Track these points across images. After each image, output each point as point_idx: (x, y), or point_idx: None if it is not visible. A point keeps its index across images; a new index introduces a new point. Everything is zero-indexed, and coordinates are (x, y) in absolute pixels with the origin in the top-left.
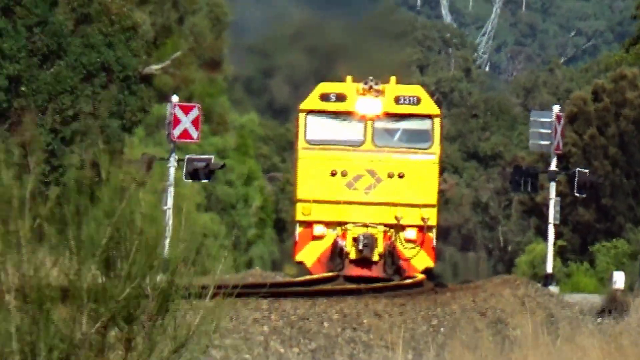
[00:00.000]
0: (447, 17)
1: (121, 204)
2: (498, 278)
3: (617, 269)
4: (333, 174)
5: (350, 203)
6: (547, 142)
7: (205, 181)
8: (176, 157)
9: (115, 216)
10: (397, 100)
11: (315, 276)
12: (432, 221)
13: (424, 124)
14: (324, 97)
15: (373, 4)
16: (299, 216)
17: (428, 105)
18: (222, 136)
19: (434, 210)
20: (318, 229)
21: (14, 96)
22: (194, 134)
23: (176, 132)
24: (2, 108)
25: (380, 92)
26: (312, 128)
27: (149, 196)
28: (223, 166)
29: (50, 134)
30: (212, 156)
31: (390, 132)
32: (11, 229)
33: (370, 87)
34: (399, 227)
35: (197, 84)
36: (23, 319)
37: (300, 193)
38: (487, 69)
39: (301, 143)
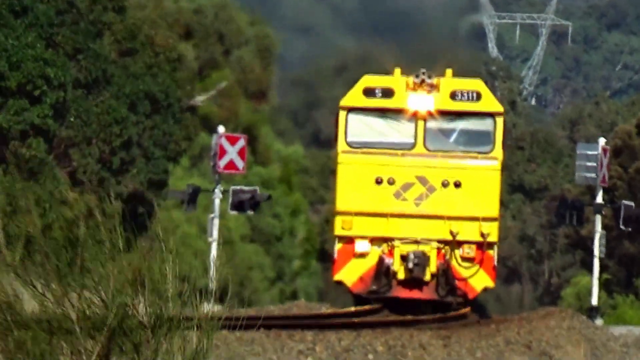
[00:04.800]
0: (493, 50)
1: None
2: (543, 310)
3: None
4: (378, 182)
5: (398, 216)
6: (593, 175)
7: (250, 213)
8: (221, 188)
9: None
10: (453, 95)
11: (359, 308)
12: (493, 237)
13: (485, 124)
14: (368, 92)
15: (419, 35)
16: (339, 231)
17: (489, 102)
18: (267, 166)
19: (495, 225)
20: (360, 246)
21: (59, 126)
22: (240, 164)
23: (222, 163)
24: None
25: (434, 87)
26: (354, 128)
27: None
28: (269, 198)
29: (98, 164)
30: (257, 188)
31: (445, 133)
32: None
33: (423, 81)
34: (455, 244)
35: (242, 115)
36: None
37: (340, 204)
38: (532, 101)
39: (341, 146)
